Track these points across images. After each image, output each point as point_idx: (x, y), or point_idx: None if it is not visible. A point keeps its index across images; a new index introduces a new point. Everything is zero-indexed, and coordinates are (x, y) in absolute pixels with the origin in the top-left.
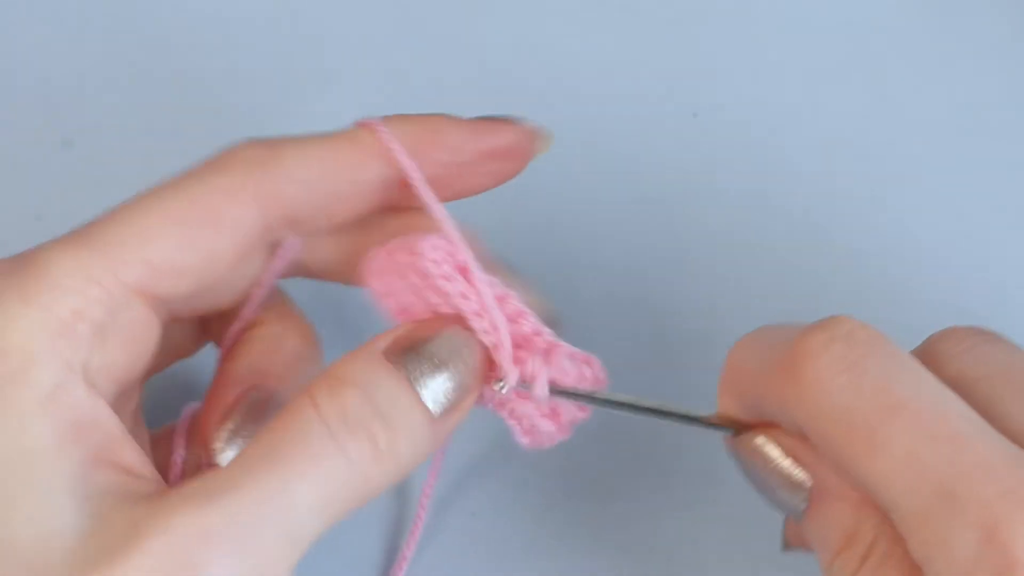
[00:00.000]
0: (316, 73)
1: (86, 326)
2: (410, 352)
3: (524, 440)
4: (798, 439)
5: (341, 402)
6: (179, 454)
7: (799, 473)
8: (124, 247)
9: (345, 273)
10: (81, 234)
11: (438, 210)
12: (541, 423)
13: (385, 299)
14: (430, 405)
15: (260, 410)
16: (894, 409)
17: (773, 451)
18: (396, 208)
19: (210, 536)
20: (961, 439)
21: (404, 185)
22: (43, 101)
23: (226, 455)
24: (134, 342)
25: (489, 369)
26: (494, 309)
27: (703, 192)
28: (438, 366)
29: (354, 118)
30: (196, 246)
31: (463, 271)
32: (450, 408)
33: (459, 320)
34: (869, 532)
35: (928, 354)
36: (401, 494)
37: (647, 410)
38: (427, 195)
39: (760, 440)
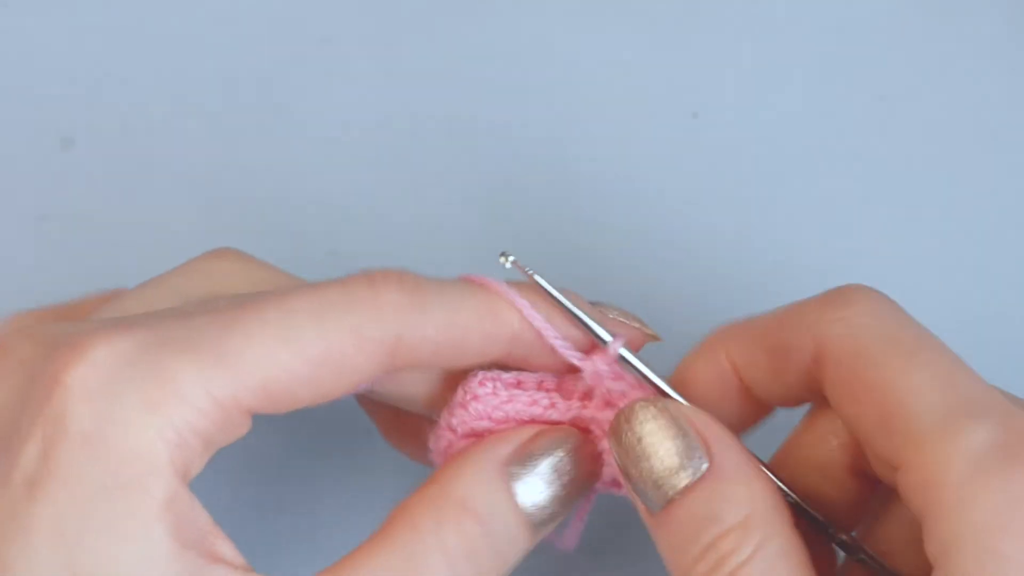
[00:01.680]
0: (317, 73)
1: (199, 441)
2: (526, 464)
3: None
4: (697, 414)
5: (466, 538)
6: None
7: (694, 449)
8: (249, 370)
9: (426, 405)
10: (209, 344)
11: (583, 363)
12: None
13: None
14: (535, 523)
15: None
16: (933, 343)
17: (670, 421)
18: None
19: None
20: (992, 388)
21: (522, 353)
22: (43, 101)
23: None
24: (223, 446)
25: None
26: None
27: (703, 192)
28: (550, 484)
29: (354, 118)
30: (314, 384)
31: (519, 385)
32: (549, 524)
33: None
34: (767, 521)
35: None
36: None
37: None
38: (568, 352)
39: (656, 408)
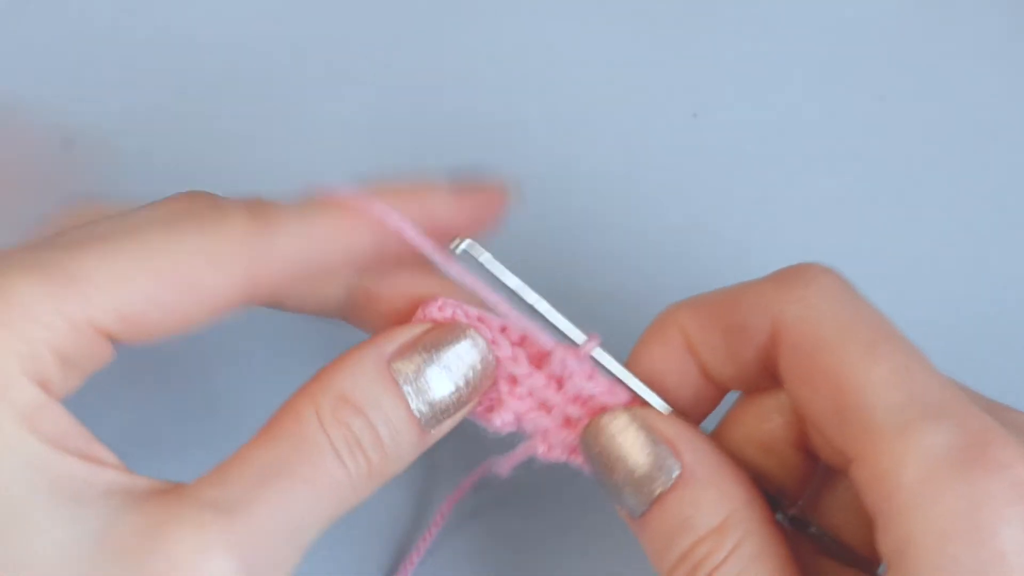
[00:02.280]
0: (317, 73)
1: (54, 357)
2: (415, 358)
3: (540, 449)
4: (679, 423)
5: (347, 426)
6: None
7: (664, 456)
8: (97, 290)
9: (342, 313)
10: (57, 265)
11: (439, 260)
12: (559, 434)
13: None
14: (424, 422)
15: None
16: (891, 334)
17: (638, 431)
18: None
19: (230, 546)
20: (952, 384)
21: (385, 260)
22: (43, 101)
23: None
24: (87, 370)
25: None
26: (513, 315)
27: (703, 192)
28: (441, 381)
29: (354, 118)
30: (169, 307)
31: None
32: (443, 423)
33: (471, 327)
34: (741, 523)
35: None
36: (415, 499)
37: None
38: (428, 248)
39: (624, 419)
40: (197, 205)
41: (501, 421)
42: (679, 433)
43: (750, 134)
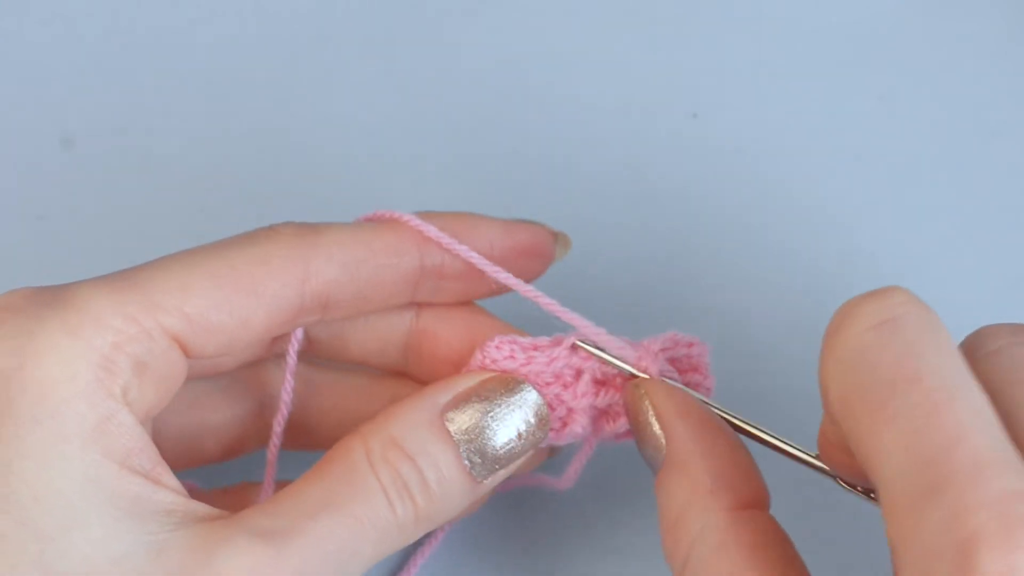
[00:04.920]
0: (318, 73)
1: (126, 360)
2: (469, 409)
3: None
4: (675, 400)
5: (395, 469)
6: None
7: (658, 435)
8: (164, 295)
9: (402, 355)
10: (122, 276)
11: (491, 269)
12: (581, 419)
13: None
14: (476, 472)
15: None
16: (910, 381)
17: (645, 406)
18: (424, 305)
19: (277, 572)
20: (964, 432)
21: (433, 273)
22: (43, 101)
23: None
24: (164, 382)
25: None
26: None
27: (703, 192)
28: (494, 432)
29: (354, 119)
30: (232, 309)
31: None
32: (497, 473)
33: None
34: (701, 515)
35: (964, 350)
36: None
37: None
38: (477, 259)
39: (640, 392)
40: (248, 232)
41: (572, 435)
42: (672, 413)
43: (750, 134)
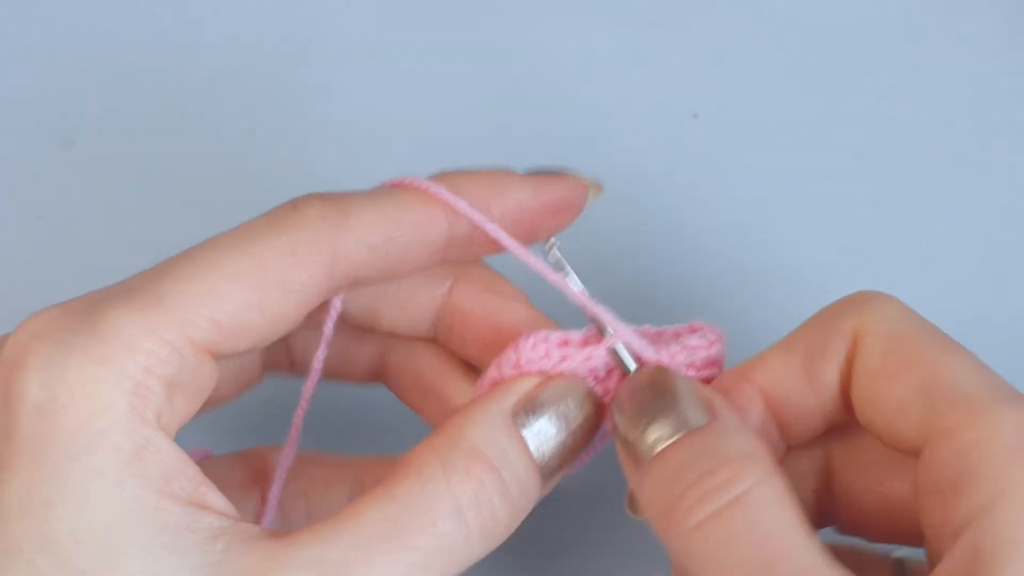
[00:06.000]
0: (318, 73)
1: (158, 383)
2: (535, 410)
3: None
4: (708, 389)
5: (477, 484)
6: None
7: (699, 406)
8: (191, 306)
9: (398, 324)
10: (146, 291)
11: (521, 252)
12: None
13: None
14: (546, 473)
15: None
16: (959, 344)
17: (681, 383)
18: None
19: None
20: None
21: (462, 242)
22: (43, 101)
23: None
24: (197, 393)
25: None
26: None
27: (703, 192)
28: (558, 432)
29: (354, 119)
30: (263, 308)
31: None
32: (557, 474)
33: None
34: (766, 460)
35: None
36: None
37: None
38: (506, 240)
39: (664, 372)
40: (272, 210)
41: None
42: (713, 393)
43: (750, 134)
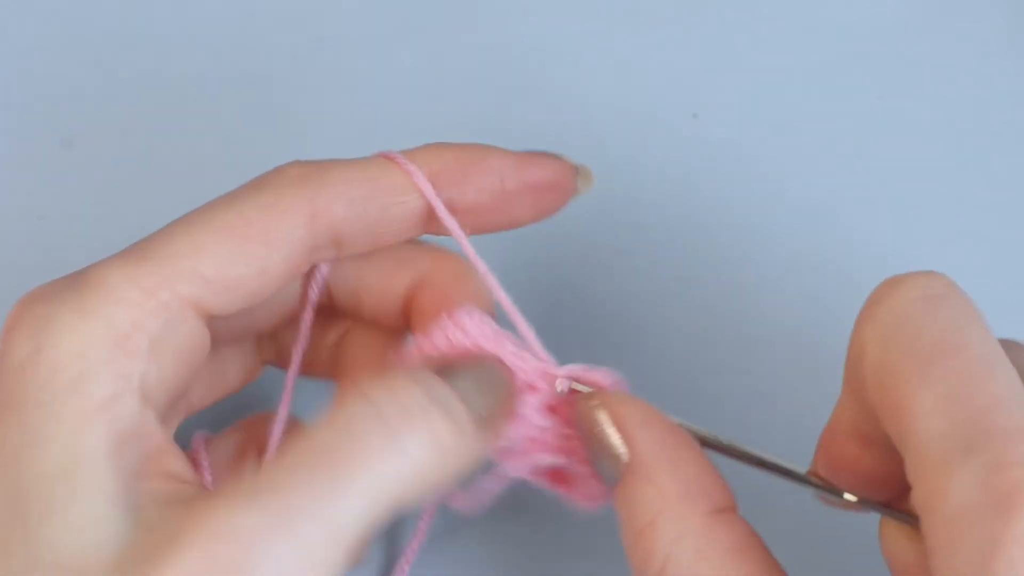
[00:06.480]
0: (318, 73)
1: (143, 338)
2: (448, 370)
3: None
4: (636, 409)
5: (401, 395)
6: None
7: (619, 444)
8: (178, 260)
9: (376, 310)
10: (135, 249)
11: (464, 242)
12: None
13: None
14: (476, 419)
15: None
16: (957, 348)
17: (602, 416)
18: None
19: (252, 536)
20: (1003, 399)
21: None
22: (43, 101)
23: None
24: (187, 356)
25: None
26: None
27: (703, 193)
28: (477, 385)
29: (354, 118)
30: (248, 260)
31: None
32: (490, 422)
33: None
34: (676, 520)
35: None
36: None
37: (741, 455)
38: (452, 226)
39: (593, 403)
40: (258, 177)
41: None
42: (634, 423)
43: (750, 134)
